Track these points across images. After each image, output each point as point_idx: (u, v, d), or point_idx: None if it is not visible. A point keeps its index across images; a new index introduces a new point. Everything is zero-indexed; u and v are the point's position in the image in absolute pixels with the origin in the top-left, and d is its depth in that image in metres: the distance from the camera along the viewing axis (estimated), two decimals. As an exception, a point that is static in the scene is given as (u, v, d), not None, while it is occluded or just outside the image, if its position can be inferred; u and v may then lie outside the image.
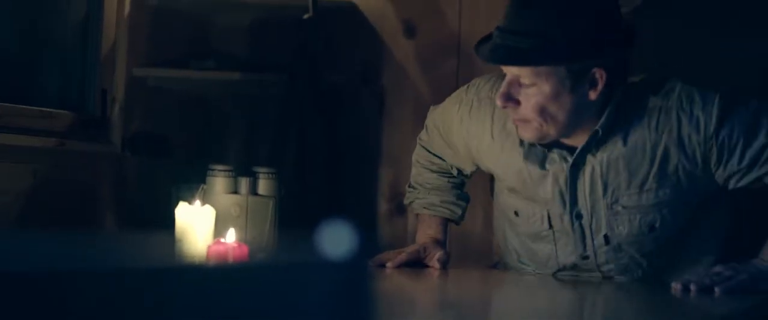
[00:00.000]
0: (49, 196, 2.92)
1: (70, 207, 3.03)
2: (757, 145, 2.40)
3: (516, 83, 2.34)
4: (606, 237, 2.49)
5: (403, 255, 2.58)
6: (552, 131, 2.38)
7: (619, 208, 2.45)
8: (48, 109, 2.99)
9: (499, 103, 2.37)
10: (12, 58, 3.01)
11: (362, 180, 3.44)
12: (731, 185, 2.46)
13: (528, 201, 2.56)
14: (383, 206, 3.42)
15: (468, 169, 2.74)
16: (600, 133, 2.40)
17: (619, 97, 2.40)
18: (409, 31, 3.41)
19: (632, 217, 2.46)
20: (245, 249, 2.13)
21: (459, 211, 2.77)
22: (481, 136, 2.58)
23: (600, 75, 2.33)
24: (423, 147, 2.82)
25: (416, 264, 2.60)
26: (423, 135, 2.84)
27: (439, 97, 3.34)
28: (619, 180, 2.43)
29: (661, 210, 2.45)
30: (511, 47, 2.32)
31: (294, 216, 3.08)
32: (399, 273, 2.52)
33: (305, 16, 3.26)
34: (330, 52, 3.45)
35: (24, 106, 2.90)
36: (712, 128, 2.38)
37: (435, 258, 2.59)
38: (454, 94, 2.74)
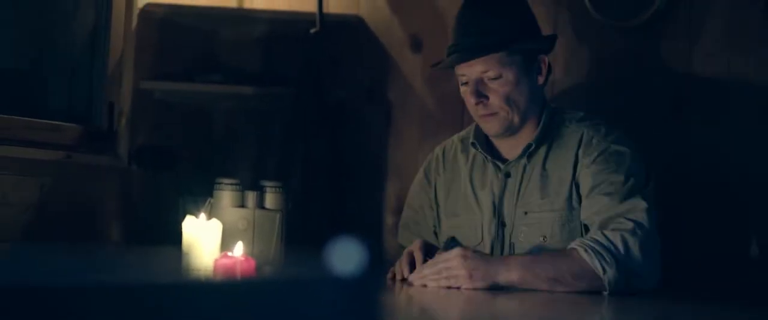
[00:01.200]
0: (56, 209, 2.93)
1: (76, 219, 3.03)
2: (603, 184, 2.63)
3: (481, 82, 2.71)
4: (512, 245, 2.73)
5: (419, 258, 2.64)
6: (516, 118, 2.73)
7: (524, 214, 2.72)
8: (55, 122, 2.99)
9: (472, 100, 2.71)
10: (20, 71, 3.02)
11: (368, 193, 3.45)
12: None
13: (465, 222, 2.83)
14: (389, 219, 3.43)
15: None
16: (533, 145, 2.74)
17: (551, 113, 2.77)
18: (416, 45, 3.41)
19: (532, 225, 2.69)
20: (252, 263, 2.13)
21: None
22: (437, 179, 2.93)
23: (544, 61, 2.75)
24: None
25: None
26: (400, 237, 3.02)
27: (445, 112, 3.35)
28: (534, 189, 2.72)
29: (553, 223, 2.68)
30: (477, 45, 2.69)
31: (300, 229, 3.08)
32: (409, 288, 2.52)
33: (312, 31, 3.27)
34: (336, 66, 3.45)
35: (31, 119, 2.91)
36: (591, 159, 2.67)
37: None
38: None
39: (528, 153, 2.74)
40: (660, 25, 3.14)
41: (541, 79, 2.75)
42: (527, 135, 2.76)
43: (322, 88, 3.40)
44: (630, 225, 2.51)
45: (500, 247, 2.75)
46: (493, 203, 2.78)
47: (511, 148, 2.79)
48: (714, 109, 3.10)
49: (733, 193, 3.06)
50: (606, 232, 2.51)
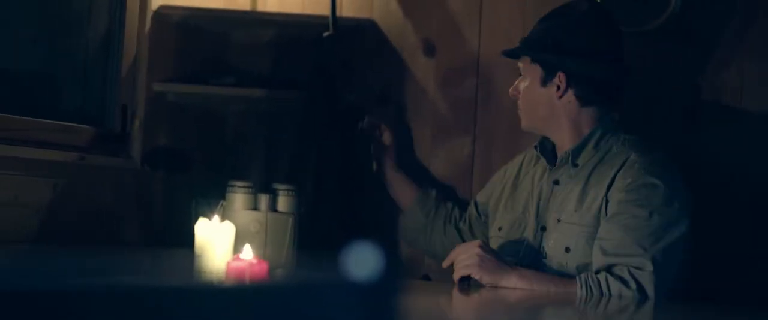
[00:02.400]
0: (69, 210, 2.93)
1: (89, 221, 3.03)
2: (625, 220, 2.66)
3: (521, 79, 2.91)
4: (544, 250, 2.81)
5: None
6: (525, 121, 2.93)
7: (557, 222, 2.78)
8: (68, 124, 3.00)
9: (510, 91, 2.94)
10: (34, 72, 3.02)
11: (381, 197, 3.44)
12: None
13: (516, 218, 2.93)
14: (402, 222, 3.42)
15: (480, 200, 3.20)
16: (570, 156, 2.83)
17: (601, 134, 2.83)
18: (429, 49, 3.41)
19: (561, 234, 2.76)
20: (264, 266, 2.13)
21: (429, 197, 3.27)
22: (514, 172, 3.07)
23: (560, 78, 2.83)
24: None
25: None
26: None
27: (458, 116, 3.35)
28: (573, 200, 2.78)
29: (578, 237, 2.72)
30: (518, 46, 2.94)
31: (313, 232, 3.09)
32: (422, 292, 2.52)
33: (325, 34, 3.26)
34: (349, 69, 3.45)
35: (45, 120, 2.91)
36: (624, 184, 2.70)
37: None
38: None
39: (568, 161, 2.84)
40: (673, 30, 3.14)
41: (557, 94, 2.84)
42: (565, 143, 2.88)
43: (334, 92, 3.39)
44: (633, 286, 2.56)
45: (537, 247, 2.82)
46: (538, 205, 2.86)
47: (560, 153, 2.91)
48: (727, 116, 3.09)
49: (746, 199, 3.06)
50: (610, 279, 2.58)
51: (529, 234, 2.86)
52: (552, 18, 2.88)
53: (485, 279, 2.67)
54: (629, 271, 2.57)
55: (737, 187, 3.07)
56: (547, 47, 2.84)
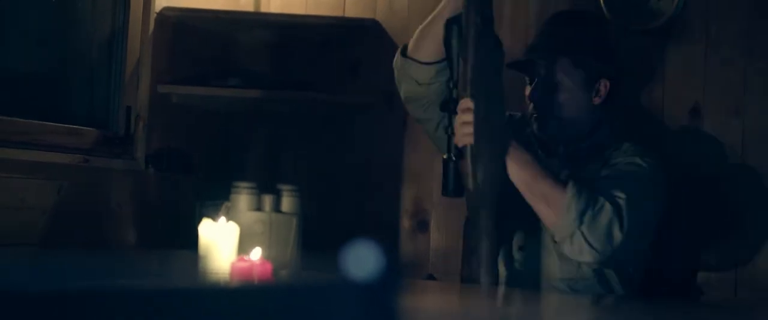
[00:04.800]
0: (74, 212, 2.94)
1: (93, 223, 3.04)
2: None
3: (541, 84, 2.76)
4: (524, 233, 2.77)
5: None
6: (564, 124, 2.78)
7: None
8: (73, 126, 3.00)
9: (527, 94, 2.79)
10: (38, 75, 3.03)
11: (385, 198, 3.44)
12: None
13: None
14: (405, 223, 3.42)
15: None
16: (562, 149, 2.79)
17: (608, 133, 2.81)
18: (432, 49, 3.40)
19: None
20: (269, 267, 2.13)
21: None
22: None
23: (604, 85, 2.79)
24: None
25: None
26: None
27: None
28: None
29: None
30: (549, 48, 2.79)
31: (317, 233, 3.09)
32: (426, 292, 2.52)
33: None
34: (353, 70, 3.45)
35: (49, 123, 2.92)
36: (615, 160, 2.72)
37: None
38: None
39: (566, 159, 2.79)
40: (677, 29, 3.14)
41: (596, 100, 2.80)
42: (571, 140, 2.82)
43: (338, 93, 3.39)
44: (613, 208, 2.54)
45: (517, 220, 2.76)
46: None
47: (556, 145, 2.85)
48: (730, 115, 3.09)
49: (748, 198, 3.06)
50: (605, 200, 2.54)
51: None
52: (575, 22, 2.85)
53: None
54: (613, 196, 2.56)
55: (740, 186, 3.07)
56: (592, 53, 2.79)
